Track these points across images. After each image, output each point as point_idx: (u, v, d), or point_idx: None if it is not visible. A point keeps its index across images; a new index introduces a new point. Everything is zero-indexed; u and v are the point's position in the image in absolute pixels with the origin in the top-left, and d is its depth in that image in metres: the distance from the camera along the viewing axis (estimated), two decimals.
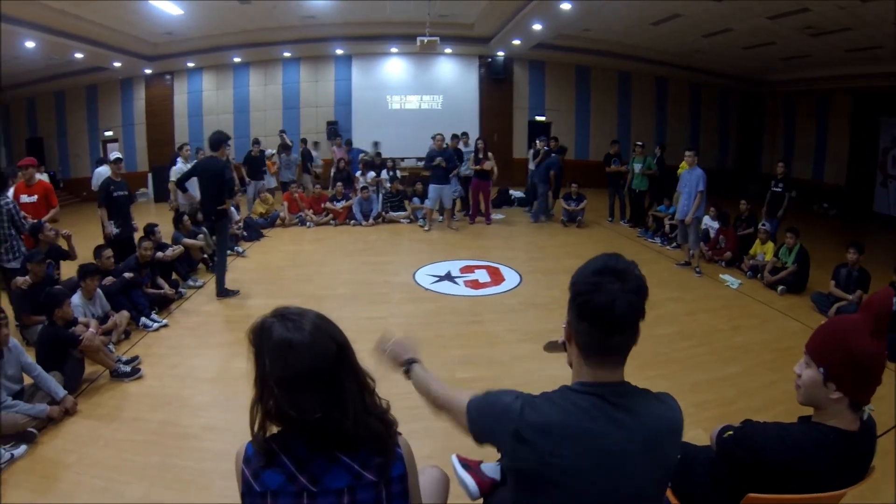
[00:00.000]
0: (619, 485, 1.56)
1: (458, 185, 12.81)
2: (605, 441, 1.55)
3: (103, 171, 9.59)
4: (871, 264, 7.41)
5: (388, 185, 13.47)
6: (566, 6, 11.43)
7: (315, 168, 15.49)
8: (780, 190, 9.91)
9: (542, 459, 1.55)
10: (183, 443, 4.30)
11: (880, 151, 15.14)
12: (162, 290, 7.42)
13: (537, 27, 13.57)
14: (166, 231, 8.66)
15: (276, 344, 1.49)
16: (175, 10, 12.68)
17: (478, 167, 12.28)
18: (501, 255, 9.90)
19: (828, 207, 15.88)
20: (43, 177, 14.07)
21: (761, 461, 2.04)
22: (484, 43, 16.81)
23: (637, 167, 12.14)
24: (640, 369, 5.43)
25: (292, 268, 9.39)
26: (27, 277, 6.13)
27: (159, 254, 7.74)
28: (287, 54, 17.85)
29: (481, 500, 2.40)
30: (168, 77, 18.18)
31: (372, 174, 13.57)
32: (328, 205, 12.99)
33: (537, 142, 13.76)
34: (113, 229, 8.00)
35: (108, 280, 6.67)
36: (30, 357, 4.71)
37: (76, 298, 5.90)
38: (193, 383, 5.35)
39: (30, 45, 12.28)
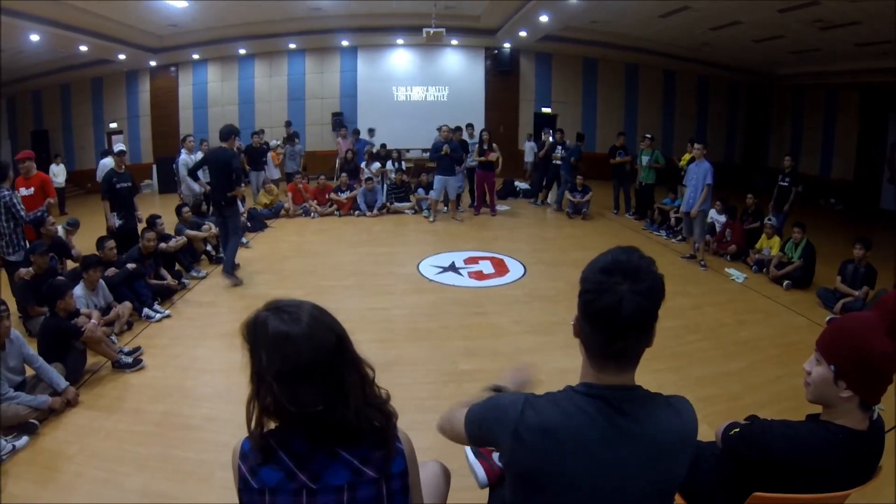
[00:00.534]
0: (618, 495, 1.49)
1: (462, 180, 12.77)
2: (605, 449, 1.46)
3: (108, 162, 9.60)
4: (877, 260, 7.35)
5: (393, 175, 13.44)
6: None
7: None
8: (787, 184, 9.85)
9: (539, 462, 1.48)
10: (184, 434, 4.29)
11: (888, 147, 15.05)
12: (165, 281, 7.42)
13: (544, 19, 13.49)
14: (171, 222, 8.67)
15: (272, 337, 1.43)
16: (180, 3, 12.68)
17: (482, 158, 12.24)
18: (506, 247, 9.88)
19: (834, 203, 15.78)
20: (60, 168, 14.21)
21: (768, 459, 2.01)
22: (490, 35, 16.75)
23: (645, 160, 12.07)
24: (646, 362, 5.31)
25: (296, 258, 9.37)
26: (30, 269, 6.13)
27: (162, 245, 7.73)
28: (292, 46, 17.81)
29: (488, 489, 2.36)
30: (173, 69, 18.16)
31: (377, 165, 13.55)
32: (332, 195, 12.97)
33: (543, 133, 13.75)
34: (116, 221, 8.02)
35: (111, 271, 6.67)
36: (32, 348, 4.72)
37: (78, 289, 5.89)
38: (195, 374, 5.35)
39: (35, 38, 12.26)
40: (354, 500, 1.50)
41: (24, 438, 4.12)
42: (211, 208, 9.72)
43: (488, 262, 8.94)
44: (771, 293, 7.82)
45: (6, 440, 4.00)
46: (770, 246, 8.71)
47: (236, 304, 7.23)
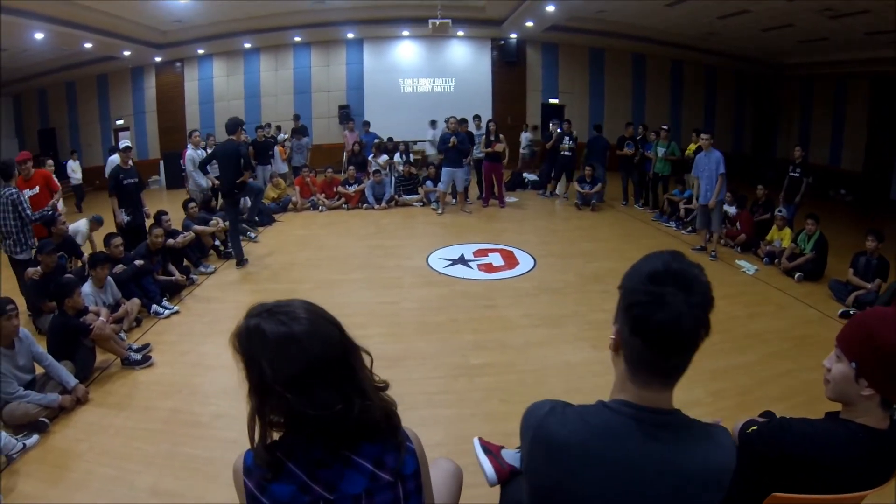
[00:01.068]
0: None
1: (469, 174, 12.73)
2: (632, 474, 1.34)
3: (116, 159, 9.60)
4: (888, 252, 7.29)
5: (401, 168, 13.41)
6: None
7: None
8: (797, 175, 9.76)
9: (557, 478, 1.38)
10: (193, 431, 4.29)
11: None
12: (173, 277, 7.41)
13: (550, 9, 13.41)
14: (178, 217, 8.67)
15: (274, 343, 1.33)
16: None
17: (489, 149, 12.20)
18: (515, 239, 9.85)
19: (844, 194, 15.63)
20: (76, 164, 14.19)
21: (787, 457, 1.97)
22: (496, 25, 16.68)
23: (661, 151, 11.99)
24: None
25: (304, 252, 9.35)
26: (38, 268, 6.14)
27: (170, 241, 7.73)
28: (298, 39, 17.76)
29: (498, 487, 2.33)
30: (178, 64, 18.16)
31: (385, 157, 13.52)
32: (340, 189, 12.95)
33: (551, 124, 13.70)
34: (124, 217, 8.04)
35: (119, 268, 6.67)
36: (41, 347, 4.72)
37: (87, 287, 5.90)
38: (204, 371, 5.35)
39: (39, 36, 12.26)
40: None
41: (35, 437, 4.14)
42: (220, 203, 9.88)
43: (498, 255, 8.91)
44: (782, 285, 7.76)
45: (17, 439, 4.01)
46: (781, 237, 8.64)
47: (245, 299, 7.14)
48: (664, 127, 12.25)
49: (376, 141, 14.30)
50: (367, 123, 15.72)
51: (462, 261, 8.63)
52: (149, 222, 8.01)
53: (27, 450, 4.02)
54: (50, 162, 10.60)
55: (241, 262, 8.58)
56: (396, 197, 12.96)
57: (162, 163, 17.25)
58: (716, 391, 4.75)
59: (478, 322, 6.34)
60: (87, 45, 14.00)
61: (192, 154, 10.58)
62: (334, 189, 12.98)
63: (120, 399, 4.81)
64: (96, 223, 8.45)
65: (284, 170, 14.03)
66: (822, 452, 1.91)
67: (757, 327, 6.27)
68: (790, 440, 1.97)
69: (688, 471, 1.36)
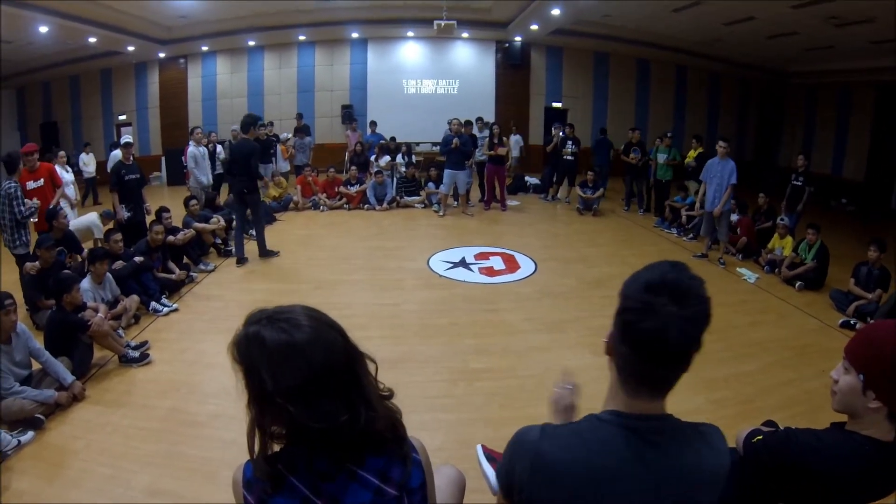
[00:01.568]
0: None
1: (471, 176, 12.71)
2: (632, 486, 1.33)
3: (118, 154, 9.60)
4: (889, 262, 7.27)
5: (404, 169, 13.39)
6: None
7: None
8: (800, 184, 9.73)
9: (560, 499, 1.36)
10: (190, 430, 4.27)
11: None
12: (173, 275, 7.38)
13: (556, 12, 13.39)
14: (178, 214, 8.66)
15: (274, 351, 1.27)
16: None
17: (492, 152, 12.18)
18: (516, 242, 9.83)
19: (846, 203, 15.62)
20: (90, 157, 14.15)
21: (791, 468, 1.95)
22: (501, 28, 16.67)
23: (663, 157, 11.98)
24: None
25: (305, 252, 9.34)
26: (36, 263, 6.12)
27: (170, 237, 7.71)
28: (302, 37, 17.74)
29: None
30: (182, 60, 18.14)
31: (387, 158, 13.51)
32: (342, 189, 12.93)
33: (553, 128, 13.71)
34: (125, 213, 8.02)
35: (119, 264, 6.65)
36: (38, 342, 4.70)
37: (85, 283, 5.88)
38: (202, 369, 5.32)
39: (44, 29, 12.24)
40: None
41: (30, 433, 4.12)
42: (229, 198, 10.03)
43: (499, 258, 8.89)
44: (783, 294, 7.74)
45: (12, 435, 3.99)
46: (782, 246, 8.62)
47: (245, 298, 7.20)
48: (668, 134, 12.23)
49: (381, 142, 14.29)
50: (373, 123, 15.75)
51: (463, 264, 8.61)
52: (149, 218, 8.02)
53: (22, 446, 3.99)
54: (62, 153, 10.56)
55: (242, 260, 8.60)
56: (398, 198, 12.94)
57: (164, 159, 17.24)
58: (717, 400, 4.73)
59: (479, 326, 6.32)
60: (92, 40, 14.01)
61: (194, 151, 10.57)
62: (336, 189, 12.96)
63: (117, 396, 4.78)
64: (107, 217, 8.46)
65: (286, 168, 14.02)
66: (827, 464, 1.89)
67: (758, 336, 6.25)
68: (795, 451, 1.96)
69: (685, 474, 1.36)
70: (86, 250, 7.26)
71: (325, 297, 6.95)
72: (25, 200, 6.67)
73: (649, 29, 15.45)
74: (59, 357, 4.73)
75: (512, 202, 13.36)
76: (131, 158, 8.32)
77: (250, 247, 9.03)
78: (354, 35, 17.80)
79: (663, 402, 1.40)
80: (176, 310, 6.74)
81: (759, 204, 10.08)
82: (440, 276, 8.11)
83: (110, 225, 8.19)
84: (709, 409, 4.55)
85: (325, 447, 1.35)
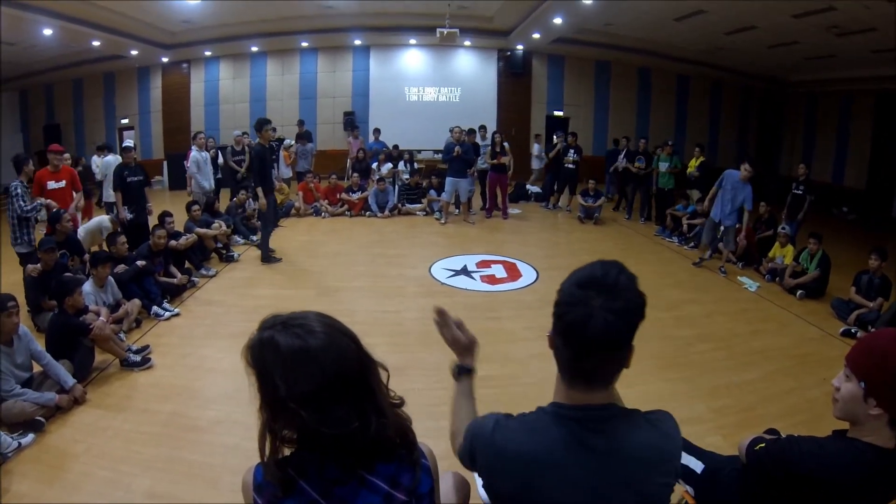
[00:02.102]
0: None
1: (473, 184, 12.71)
2: (580, 472, 1.41)
3: (110, 160, 9.62)
4: (890, 271, 7.27)
5: (406, 177, 13.41)
6: (588, 1, 11.36)
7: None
8: (800, 192, 9.76)
9: (515, 488, 1.46)
10: (191, 435, 4.25)
11: None
12: (175, 279, 7.39)
13: (558, 21, 13.46)
14: (179, 219, 8.66)
15: (288, 357, 1.29)
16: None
17: (494, 161, 12.19)
18: (518, 251, 9.82)
19: (847, 211, 15.65)
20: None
21: (794, 475, 1.97)
22: (503, 36, 16.71)
23: (664, 166, 12.01)
24: (659, 370, 5.36)
25: (306, 259, 9.33)
26: (38, 265, 6.13)
27: (172, 242, 7.71)
28: (305, 44, 17.82)
29: None
30: (185, 65, 18.20)
31: (389, 166, 13.52)
32: (344, 195, 12.93)
33: (555, 136, 13.74)
34: (127, 214, 8.04)
35: (121, 267, 6.65)
36: (39, 345, 4.69)
37: (87, 286, 5.88)
38: (204, 374, 5.32)
39: (48, 32, 12.30)
40: None
41: (30, 436, 4.10)
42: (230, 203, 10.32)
43: (500, 266, 8.89)
44: (784, 303, 7.74)
45: (12, 437, 3.98)
46: (783, 255, 8.62)
47: (246, 303, 7.19)
48: (669, 142, 12.27)
49: (384, 149, 14.31)
50: (377, 131, 15.81)
51: (465, 272, 8.60)
52: (152, 220, 8.05)
53: (22, 449, 3.98)
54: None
55: (267, 259, 8.94)
56: (400, 205, 12.95)
57: (165, 163, 17.26)
58: (718, 408, 4.73)
59: (481, 334, 6.19)
60: (95, 43, 14.06)
61: (196, 156, 10.57)
62: (337, 196, 12.96)
63: (118, 400, 4.77)
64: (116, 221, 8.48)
65: (288, 174, 14.03)
66: (829, 471, 1.90)
67: (759, 344, 6.24)
68: (797, 458, 1.97)
69: (632, 456, 1.44)
70: (87, 255, 7.27)
71: (327, 304, 6.94)
72: (35, 199, 6.72)
73: (651, 38, 15.51)
74: (61, 360, 4.72)
75: (513, 210, 13.35)
76: (133, 162, 8.36)
77: (250, 253, 9.05)
78: (357, 42, 17.88)
79: (605, 392, 1.46)
80: (177, 314, 6.73)
81: (760, 212, 10.08)
82: (442, 283, 8.10)
83: (110, 229, 8.21)
84: (710, 418, 4.55)
85: (336, 452, 1.36)
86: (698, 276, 8.80)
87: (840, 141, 16.74)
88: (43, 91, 18.55)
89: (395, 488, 1.41)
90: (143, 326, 6.33)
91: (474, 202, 13.09)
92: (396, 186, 13.32)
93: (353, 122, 17.56)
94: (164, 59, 17.49)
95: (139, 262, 6.84)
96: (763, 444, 2.13)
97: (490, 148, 12.35)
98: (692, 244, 10.40)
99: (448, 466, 2.24)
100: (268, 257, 8.89)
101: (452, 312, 6.39)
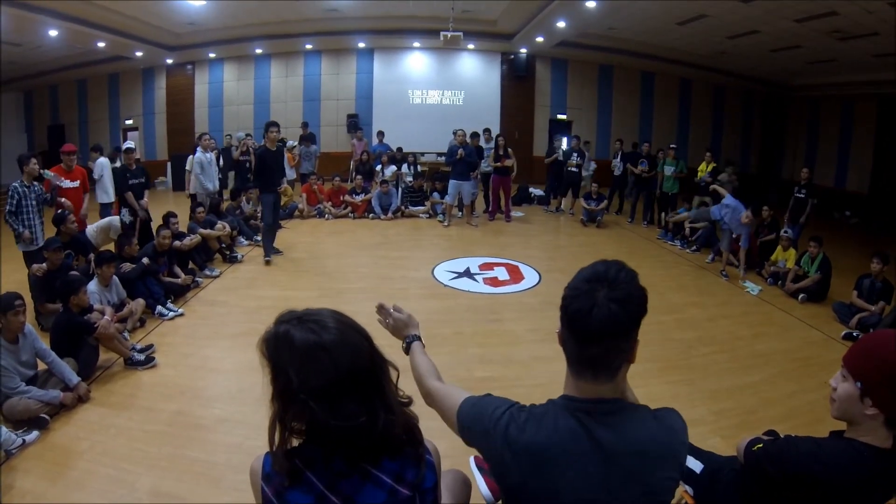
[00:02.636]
0: None
1: (477, 185, 12.72)
2: (590, 464, 1.47)
3: (103, 162, 9.65)
4: (892, 275, 7.29)
5: (409, 179, 13.43)
6: (591, 4, 11.34)
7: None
8: (803, 196, 9.77)
9: (525, 479, 1.50)
10: (195, 434, 4.27)
11: None
12: (179, 280, 7.42)
13: (561, 25, 13.47)
14: (183, 220, 8.69)
15: (302, 351, 1.34)
16: (198, 2, 12.72)
17: (498, 164, 12.21)
18: (521, 253, 9.84)
19: (849, 215, 15.65)
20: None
21: (792, 475, 1.98)
22: (507, 39, 16.72)
23: (669, 170, 12.02)
24: (661, 373, 5.37)
25: (309, 260, 9.36)
26: (43, 265, 6.15)
27: (177, 243, 7.75)
28: (309, 46, 17.82)
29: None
30: (189, 67, 18.24)
31: (393, 168, 13.55)
32: (347, 197, 12.97)
33: (554, 140, 13.81)
34: (127, 217, 8.07)
35: (126, 266, 6.69)
36: (44, 343, 4.72)
37: (92, 285, 5.91)
38: (207, 374, 5.35)
39: (53, 33, 12.35)
40: None
41: (35, 433, 4.13)
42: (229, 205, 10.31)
43: (503, 269, 8.91)
44: (786, 306, 7.75)
45: (17, 434, 4.01)
46: (785, 258, 8.63)
47: (249, 304, 7.22)
48: (672, 146, 12.29)
49: (388, 152, 14.34)
50: (381, 133, 15.83)
51: (468, 274, 8.63)
52: (155, 223, 8.09)
53: (26, 446, 4.01)
54: (92, 154, 10.62)
55: (268, 257, 9.00)
56: (403, 208, 12.98)
57: (169, 164, 17.29)
58: (719, 410, 4.74)
59: (483, 336, 6.34)
60: (101, 45, 14.11)
61: (200, 157, 10.55)
62: (341, 198, 12.99)
63: (122, 399, 4.80)
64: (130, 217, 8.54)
65: (292, 176, 14.05)
66: (827, 472, 1.91)
67: (761, 348, 6.26)
68: (795, 458, 1.98)
69: (639, 450, 1.49)
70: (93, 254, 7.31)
71: (331, 305, 6.70)
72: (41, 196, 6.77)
73: (654, 42, 15.51)
74: (65, 358, 4.75)
75: (516, 213, 13.40)
76: (133, 164, 8.40)
77: (254, 254, 9.09)
78: (361, 45, 17.90)
79: (611, 386, 1.52)
80: (181, 314, 6.75)
81: (762, 217, 10.09)
82: (445, 285, 8.12)
83: (120, 230, 8.25)
84: (710, 420, 4.56)
85: (344, 446, 1.39)
86: (700, 280, 8.81)
87: (842, 145, 16.73)
88: (48, 92, 18.61)
89: (399, 483, 1.43)
90: (147, 326, 6.35)
91: (477, 205, 13.09)
92: (400, 189, 13.33)
93: (356, 124, 17.58)
94: (169, 61, 17.53)
95: (144, 260, 6.89)
96: (761, 445, 2.15)
97: (493, 151, 12.37)
98: (694, 248, 10.42)
99: (451, 466, 2.27)
100: (268, 252, 9.03)
101: (455, 314, 6.46)
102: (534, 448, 1.49)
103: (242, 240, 10.26)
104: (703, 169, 11.96)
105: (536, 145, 18.51)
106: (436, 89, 18.59)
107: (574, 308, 1.43)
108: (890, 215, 14.64)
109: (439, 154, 15.72)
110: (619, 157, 13.47)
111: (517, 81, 18.53)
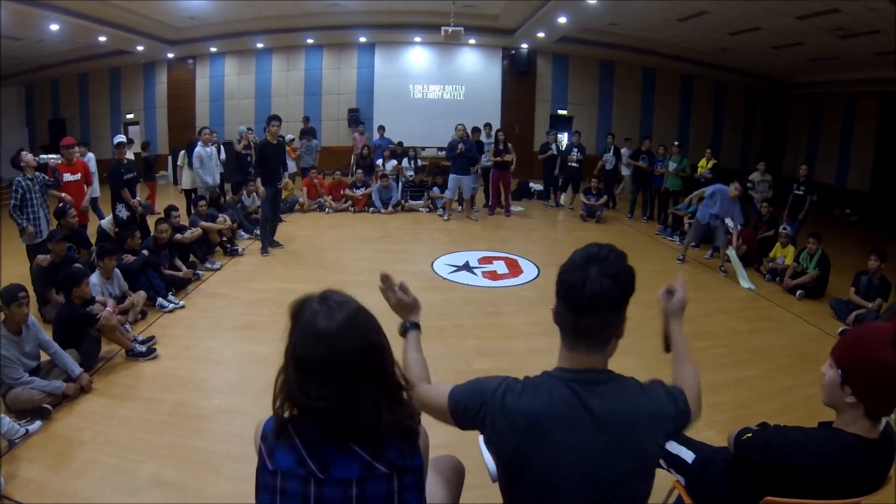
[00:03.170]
0: (594, 474, 1.58)
1: (477, 180, 12.74)
2: (582, 432, 1.58)
3: (91, 156, 9.70)
4: (890, 272, 7.31)
5: (410, 173, 13.45)
6: (592, 1, 11.36)
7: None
8: (801, 193, 9.81)
9: (521, 446, 1.60)
10: (196, 424, 4.32)
11: None
12: (180, 272, 7.46)
13: (562, 20, 13.48)
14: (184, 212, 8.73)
15: (303, 326, 1.45)
16: None
17: (498, 159, 12.24)
18: (520, 248, 9.87)
19: (850, 213, 15.66)
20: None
21: (780, 464, 2.02)
22: (508, 35, 16.71)
23: (672, 167, 12.04)
24: (657, 366, 5.35)
25: (310, 253, 9.40)
26: (48, 256, 6.20)
27: (178, 236, 7.79)
28: (310, 41, 17.83)
29: None
30: (190, 61, 18.24)
31: (394, 162, 13.57)
32: (347, 191, 13.00)
33: (547, 134, 13.82)
34: (124, 213, 8.08)
35: (128, 258, 6.73)
36: (47, 334, 4.76)
37: (94, 277, 5.95)
38: (208, 365, 5.38)
39: (54, 27, 12.36)
40: (363, 494, 1.48)
41: (38, 423, 4.17)
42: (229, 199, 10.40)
43: (502, 263, 8.94)
44: (783, 302, 7.78)
45: (20, 424, 4.05)
46: (784, 255, 8.65)
47: (249, 297, 7.25)
48: (676, 143, 12.30)
49: (390, 146, 14.35)
50: (381, 128, 15.84)
51: (467, 267, 8.66)
52: (154, 217, 8.12)
53: (29, 435, 4.05)
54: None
55: (265, 250, 9.18)
56: (403, 202, 13.01)
57: (170, 158, 17.26)
58: (713, 404, 4.74)
59: (482, 328, 6.37)
60: (102, 39, 14.13)
61: (201, 151, 10.56)
62: (341, 192, 13.02)
63: (124, 390, 4.84)
64: (144, 210, 8.58)
65: (292, 170, 14.07)
66: (815, 461, 1.96)
67: (757, 343, 6.29)
68: (784, 448, 2.03)
69: (628, 418, 1.61)
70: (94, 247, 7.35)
71: None
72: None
73: (655, 38, 15.47)
74: (68, 349, 4.79)
75: (516, 208, 13.43)
76: (125, 158, 8.44)
77: (255, 247, 9.13)
78: (362, 39, 17.90)
79: (602, 357, 1.67)
80: (182, 307, 6.79)
81: (761, 213, 10.11)
82: (444, 279, 8.16)
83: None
84: (705, 413, 4.45)
85: (312, 419, 1.49)
86: (699, 276, 8.84)
87: (843, 143, 16.71)
88: (49, 86, 18.60)
89: (376, 460, 1.50)
90: (148, 318, 6.40)
91: (477, 199, 13.11)
92: (400, 183, 13.35)
93: (357, 118, 17.60)
94: (170, 55, 17.54)
95: (144, 252, 6.94)
96: (750, 434, 2.19)
97: (493, 146, 12.39)
98: (693, 243, 10.45)
99: (453, 452, 2.31)
100: (267, 246, 9.20)
101: (454, 307, 6.48)
102: (531, 414, 1.60)
103: (243, 233, 10.28)
104: (704, 165, 11.98)
105: (537, 140, 18.35)
106: (437, 84, 18.59)
107: (569, 282, 1.58)
108: (890, 213, 14.64)
109: (440, 148, 15.73)
110: (611, 151, 13.49)
111: (518, 77, 18.53)
